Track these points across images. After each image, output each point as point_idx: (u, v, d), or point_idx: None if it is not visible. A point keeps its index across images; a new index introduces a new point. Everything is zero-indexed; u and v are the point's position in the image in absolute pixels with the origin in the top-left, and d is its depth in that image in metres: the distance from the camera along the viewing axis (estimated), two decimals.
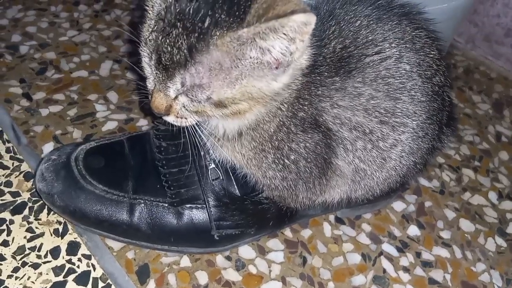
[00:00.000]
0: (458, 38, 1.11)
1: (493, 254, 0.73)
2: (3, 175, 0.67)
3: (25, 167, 0.69)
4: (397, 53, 0.50)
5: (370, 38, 0.50)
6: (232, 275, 0.63)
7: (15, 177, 0.68)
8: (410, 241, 0.72)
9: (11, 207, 0.64)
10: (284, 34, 0.39)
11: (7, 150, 0.71)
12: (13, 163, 0.69)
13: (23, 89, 0.81)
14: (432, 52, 0.53)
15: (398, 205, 0.76)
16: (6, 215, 0.63)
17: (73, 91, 0.82)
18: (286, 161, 0.51)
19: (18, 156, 0.70)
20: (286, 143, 0.50)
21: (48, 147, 0.72)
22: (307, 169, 0.52)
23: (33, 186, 0.67)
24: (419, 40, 0.52)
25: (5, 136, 0.73)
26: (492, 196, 0.81)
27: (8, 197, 0.65)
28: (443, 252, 0.71)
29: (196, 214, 0.60)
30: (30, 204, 0.65)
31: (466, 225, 0.76)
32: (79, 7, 1.01)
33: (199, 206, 0.60)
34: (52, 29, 0.94)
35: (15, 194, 0.66)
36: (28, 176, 0.68)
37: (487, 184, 0.83)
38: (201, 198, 0.60)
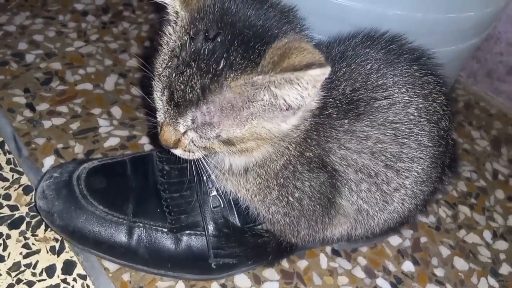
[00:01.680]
0: (460, 73, 1.13)
1: None
2: (2, 188, 0.67)
3: (25, 180, 0.69)
4: (407, 98, 0.51)
5: (380, 82, 0.51)
6: None
7: (14, 190, 0.67)
8: (404, 277, 0.72)
9: (9, 221, 0.64)
10: (299, 85, 0.39)
11: (8, 162, 0.71)
12: (13, 175, 0.69)
13: (27, 99, 0.81)
14: (440, 98, 0.54)
15: (394, 240, 0.77)
16: (3, 229, 0.63)
17: (77, 104, 0.82)
18: (290, 198, 0.52)
19: (18, 168, 0.70)
20: (292, 181, 0.51)
21: (49, 161, 0.72)
22: (310, 207, 0.52)
23: (32, 200, 0.66)
24: (427, 86, 0.53)
25: (6, 147, 0.72)
26: (487, 235, 0.82)
27: (6, 211, 0.65)
28: None
29: (195, 241, 0.60)
30: (28, 219, 0.64)
31: (460, 263, 0.77)
32: (87, 18, 1.02)
33: (198, 233, 0.60)
34: (59, 39, 0.94)
35: (14, 208, 0.65)
36: (27, 190, 0.68)
37: (482, 222, 0.84)
38: (201, 225, 0.60)
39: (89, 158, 0.73)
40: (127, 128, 0.81)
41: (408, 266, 0.74)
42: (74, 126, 0.78)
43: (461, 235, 0.81)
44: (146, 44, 0.99)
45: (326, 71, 0.38)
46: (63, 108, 0.81)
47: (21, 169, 0.70)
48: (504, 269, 0.78)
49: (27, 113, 0.78)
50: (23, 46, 0.90)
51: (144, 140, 0.80)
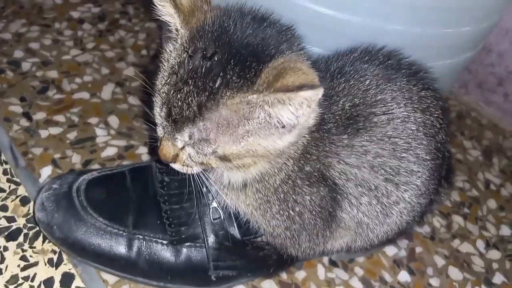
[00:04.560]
0: None
1: None
2: None
3: (21, 191, 0.68)
4: (405, 113, 0.52)
5: (379, 97, 0.52)
6: None
7: (11, 201, 0.67)
8: (401, 287, 0.73)
9: (6, 233, 0.63)
10: (291, 105, 0.40)
11: (4, 172, 0.70)
12: (9, 186, 0.69)
13: (23, 108, 0.80)
14: (437, 112, 0.55)
15: (390, 250, 0.77)
16: (1, 241, 0.62)
17: (74, 113, 0.82)
18: (291, 212, 0.52)
19: (15, 179, 0.70)
20: (292, 195, 0.51)
21: (46, 171, 0.72)
22: (311, 221, 0.53)
23: (29, 212, 0.66)
24: (425, 100, 0.54)
25: (2, 157, 0.72)
26: (480, 244, 0.83)
27: (3, 222, 0.64)
28: None
29: (195, 253, 0.60)
30: (25, 231, 0.64)
31: (455, 273, 0.78)
32: (84, 26, 1.01)
33: (198, 245, 0.60)
34: (56, 47, 0.94)
35: (11, 219, 0.65)
36: (24, 201, 0.67)
37: (476, 232, 0.85)
38: (201, 237, 0.60)
39: (87, 169, 0.72)
40: (125, 137, 0.81)
41: (404, 276, 0.75)
42: (71, 135, 0.78)
43: (455, 244, 0.82)
44: (143, 53, 0.99)
45: (318, 93, 0.39)
46: (60, 117, 0.80)
47: (18, 180, 0.70)
48: (497, 279, 0.79)
49: (24, 122, 0.78)
50: (19, 54, 0.90)
51: (142, 150, 0.80)
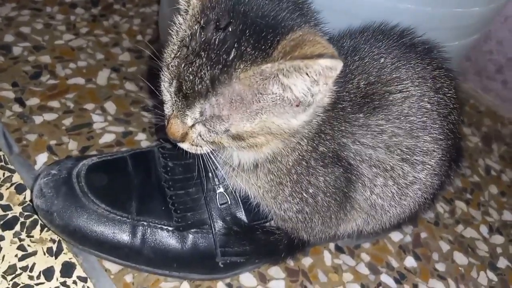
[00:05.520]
0: None
1: None
2: None
3: (17, 178, 0.65)
4: (420, 92, 0.51)
5: (394, 75, 0.50)
6: None
7: (6, 189, 0.64)
8: (407, 273, 0.72)
9: (1, 222, 0.60)
10: (308, 75, 0.38)
11: None
12: (4, 174, 0.65)
13: (15, 93, 0.77)
14: (450, 92, 0.54)
15: (395, 236, 0.77)
16: None
17: (69, 99, 0.79)
18: (304, 194, 0.50)
19: (9, 166, 0.67)
20: (305, 176, 0.50)
21: (42, 158, 0.69)
22: (325, 202, 0.51)
23: (25, 200, 0.63)
24: (439, 80, 0.53)
25: None
26: (483, 229, 0.83)
27: None
28: (439, 285, 0.72)
29: (201, 240, 0.58)
30: (22, 219, 0.61)
31: (460, 258, 0.77)
32: (76, 10, 0.98)
33: (204, 231, 0.58)
34: (48, 32, 0.90)
35: (6, 208, 0.62)
36: (20, 188, 0.64)
37: (478, 217, 0.85)
38: (207, 223, 0.58)
39: (86, 154, 0.70)
40: (122, 124, 0.78)
41: (410, 261, 0.74)
42: (67, 122, 0.75)
43: (459, 230, 0.82)
44: (138, 38, 0.96)
45: (337, 64, 0.37)
46: (54, 103, 0.77)
47: (12, 167, 0.67)
48: (502, 263, 0.79)
49: (17, 108, 0.75)
50: (10, 38, 0.86)
51: (141, 137, 0.77)
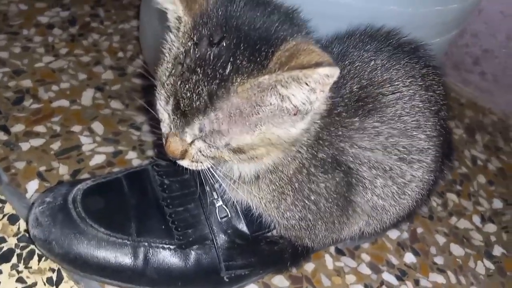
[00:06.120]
0: None
1: (484, 278, 0.76)
2: None
3: (8, 209, 0.64)
4: (411, 91, 0.52)
5: (385, 77, 0.51)
6: None
7: None
8: (408, 269, 0.73)
9: None
10: (307, 84, 0.38)
11: None
12: None
13: None
14: (439, 89, 0.55)
15: (393, 233, 0.78)
16: None
17: (55, 122, 0.77)
18: (306, 202, 0.51)
19: (0, 196, 0.65)
20: (306, 184, 0.50)
21: (33, 185, 0.67)
22: (327, 208, 0.51)
23: (20, 230, 0.61)
24: (427, 78, 0.54)
25: None
26: (476, 219, 0.85)
27: None
28: (439, 279, 0.73)
29: (204, 256, 0.57)
30: (18, 251, 0.59)
31: (457, 249, 0.79)
32: (53, 31, 0.96)
33: (206, 246, 0.58)
34: (26, 55, 0.88)
35: (0, 240, 0.60)
36: (12, 219, 0.62)
37: (470, 208, 0.87)
38: (209, 238, 0.57)
39: (78, 179, 0.68)
40: (112, 143, 0.77)
41: (409, 257, 0.75)
42: (55, 146, 0.74)
43: (453, 222, 0.83)
44: (119, 55, 0.95)
45: (335, 72, 0.37)
46: (40, 128, 0.76)
47: (3, 197, 0.65)
48: (497, 251, 0.81)
49: (2, 136, 0.73)
50: None
51: (131, 155, 0.76)
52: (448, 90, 1.12)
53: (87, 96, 0.84)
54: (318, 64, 0.37)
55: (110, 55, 0.94)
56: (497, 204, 0.89)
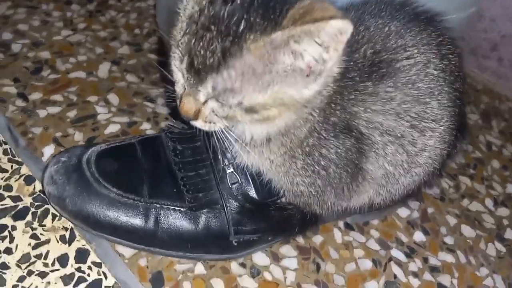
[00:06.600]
0: None
1: (495, 259, 0.75)
2: (2, 179, 0.63)
3: (25, 170, 0.65)
4: (425, 58, 0.51)
5: (399, 43, 0.51)
6: (247, 282, 0.61)
7: (15, 181, 0.64)
8: (417, 247, 0.73)
9: (13, 213, 0.60)
10: (319, 38, 0.38)
11: (4, 152, 0.67)
12: (11, 166, 0.65)
13: (17, 88, 0.77)
14: (454, 59, 0.55)
15: (403, 212, 0.77)
16: (8, 221, 0.59)
17: (72, 92, 0.79)
18: (316, 167, 0.51)
19: (16, 158, 0.66)
20: (317, 148, 0.50)
21: (48, 150, 0.69)
22: (337, 174, 0.51)
23: (35, 190, 0.63)
24: (443, 47, 0.54)
25: (1, 138, 0.68)
26: (489, 203, 0.84)
27: (8, 202, 0.61)
28: (449, 258, 0.73)
29: (214, 219, 0.58)
30: (33, 210, 0.61)
31: (467, 231, 0.78)
32: (72, 7, 0.98)
33: (216, 210, 0.58)
34: (45, 28, 0.90)
35: (16, 199, 0.62)
36: (29, 180, 0.64)
37: (483, 191, 0.86)
38: (219, 202, 0.58)
39: (94, 143, 0.70)
40: (127, 114, 0.78)
41: (419, 236, 0.75)
42: (71, 114, 0.75)
43: (465, 204, 0.83)
44: (136, 32, 0.96)
45: (348, 27, 0.37)
46: (57, 97, 0.77)
47: (20, 159, 0.66)
48: (509, 234, 0.80)
49: (20, 103, 0.75)
50: (8, 36, 0.86)
51: (146, 126, 0.77)
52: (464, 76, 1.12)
53: (104, 69, 0.85)
54: (331, 17, 0.37)
55: (127, 31, 0.96)
56: (511, 189, 0.88)
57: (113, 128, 0.75)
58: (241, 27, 0.40)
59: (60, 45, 0.87)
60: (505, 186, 0.89)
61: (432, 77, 0.51)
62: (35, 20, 0.91)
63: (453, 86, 0.54)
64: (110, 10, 1.00)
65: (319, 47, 0.39)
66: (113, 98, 0.80)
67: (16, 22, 0.90)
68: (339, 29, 0.37)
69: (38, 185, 0.64)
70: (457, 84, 0.55)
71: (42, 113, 0.74)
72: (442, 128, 0.53)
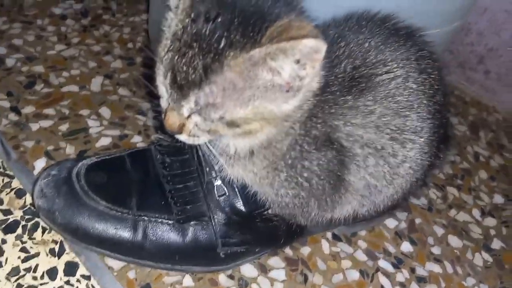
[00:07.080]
0: None
1: (481, 269, 0.76)
2: None
3: (16, 183, 0.66)
4: (404, 73, 0.53)
5: (379, 58, 0.52)
6: None
7: (6, 194, 0.64)
8: (404, 257, 0.74)
9: (3, 226, 0.61)
10: (293, 56, 0.40)
11: None
12: (3, 179, 0.66)
13: (11, 102, 0.78)
14: (434, 73, 0.56)
15: (391, 222, 0.78)
16: None
17: (64, 106, 0.80)
18: (299, 179, 0.52)
19: (8, 172, 0.67)
20: (299, 161, 0.51)
21: (40, 163, 0.70)
22: (320, 186, 0.53)
23: (26, 204, 0.64)
24: (422, 61, 0.55)
25: None
26: (476, 213, 0.85)
27: None
28: (436, 268, 0.74)
29: (202, 231, 0.59)
30: (23, 223, 0.62)
31: (455, 241, 0.79)
32: (67, 22, 1.00)
33: (204, 222, 0.59)
34: (40, 43, 0.92)
35: (7, 212, 0.63)
36: (19, 193, 0.65)
37: (470, 201, 0.87)
38: (207, 214, 0.59)
39: (84, 156, 0.71)
40: (118, 127, 0.79)
41: (406, 246, 0.75)
42: (63, 127, 0.76)
43: (452, 214, 0.84)
44: (129, 46, 0.98)
45: (320, 45, 0.39)
46: (50, 111, 0.78)
47: (11, 173, 0.67)
48: (496, 244, 0.81)
49: (13, 116, 0.76)
50: (2, 51, 0.87)
51: (137, 139, 0.78)
52: (452, 88, 1.14)
53: (96, 83, 0.87)
54: (303, 36, 0.38)
55: (120, 45, 0.97)
56: (498, 199, 0.89)
57: (104, 141, 0.76)
58: (222, 44, 0.42)
59: (54, 60, 0.89)
60: (492, 196, 0.90)
61: (411, 90, 0.53)
62: (30, 35, 0.93)
63: (432, 99, 0.55)
64: (104, 25, 1.02)
65: (295, 64, 0.41)
66: (105, 111, 0.81)
67: (11, 36, 0.91)
68: (312, 47, 0.39)
69: (28, 199, 0.64)
70: (436, 97, 0.57)
71: (34, 126, 0.75)
72: (422, 139, 0.54)
